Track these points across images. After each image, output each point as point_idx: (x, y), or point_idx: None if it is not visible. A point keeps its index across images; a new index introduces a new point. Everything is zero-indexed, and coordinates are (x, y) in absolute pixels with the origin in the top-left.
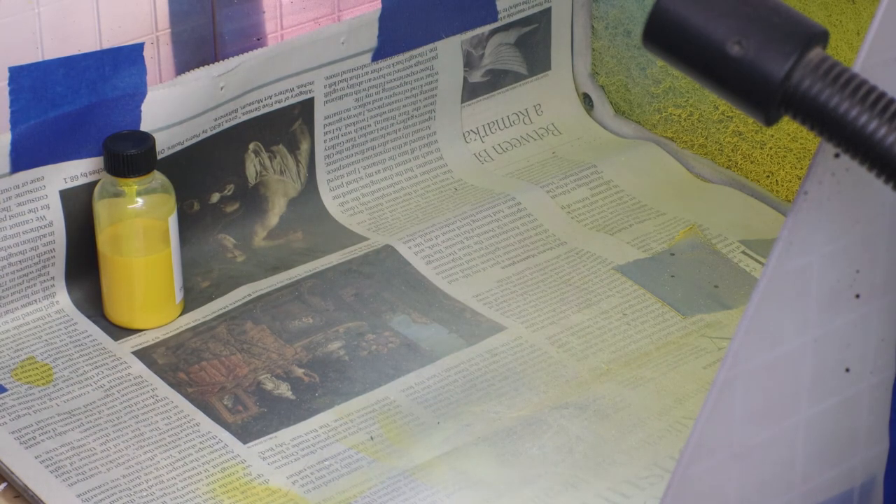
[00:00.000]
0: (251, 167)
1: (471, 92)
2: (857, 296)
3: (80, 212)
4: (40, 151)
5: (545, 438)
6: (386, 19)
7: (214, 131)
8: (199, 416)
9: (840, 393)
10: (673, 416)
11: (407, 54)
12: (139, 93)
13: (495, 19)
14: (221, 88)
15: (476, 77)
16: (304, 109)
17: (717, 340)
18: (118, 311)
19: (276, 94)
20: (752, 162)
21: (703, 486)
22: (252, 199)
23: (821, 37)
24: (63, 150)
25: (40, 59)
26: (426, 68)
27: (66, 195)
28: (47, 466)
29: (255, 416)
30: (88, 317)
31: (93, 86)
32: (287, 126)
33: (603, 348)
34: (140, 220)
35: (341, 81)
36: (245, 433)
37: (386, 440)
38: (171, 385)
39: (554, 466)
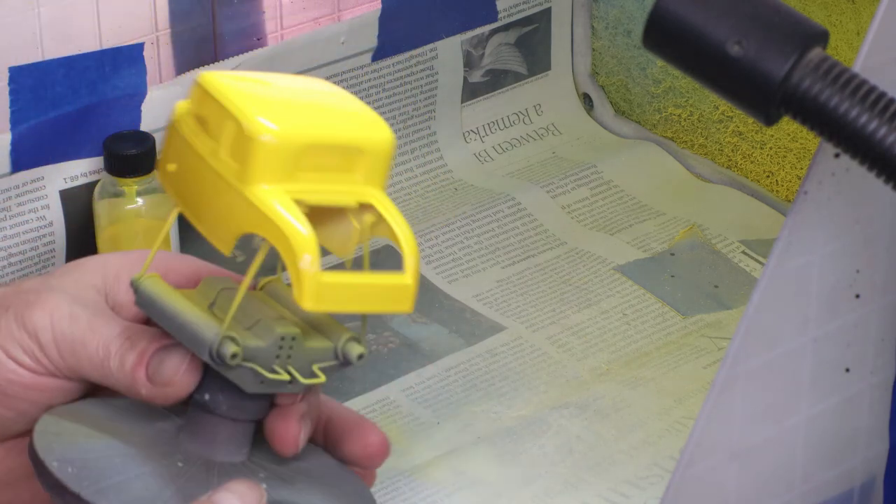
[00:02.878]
0: None
1: (471, 92)
2: (857, 296)
3: (80, 212)
4: (40, 151)
5: (545, 438)
6: (386, 19)
7: None
8: None
9: (840, 393)
10: (673, 416)
11: (407, 54)
12: (139, 93)
13: (495, 19)
14: None
15: (476, 77)
16: None
17: (717, 340)
18: None
19: None
20: (752, 162)
21: (703, 486)
22: None
23: (821, 37)
24: (63, 150)
25: (40, 59)
26: (426, 68)
27: (66, 195)
28: None
29: None
30: None
31: (93, 86)
32: None
33: (603, 348)
34: (140, 220)
35: (341, 81)
36: None
37: None
38: None
39: (554, 466)
